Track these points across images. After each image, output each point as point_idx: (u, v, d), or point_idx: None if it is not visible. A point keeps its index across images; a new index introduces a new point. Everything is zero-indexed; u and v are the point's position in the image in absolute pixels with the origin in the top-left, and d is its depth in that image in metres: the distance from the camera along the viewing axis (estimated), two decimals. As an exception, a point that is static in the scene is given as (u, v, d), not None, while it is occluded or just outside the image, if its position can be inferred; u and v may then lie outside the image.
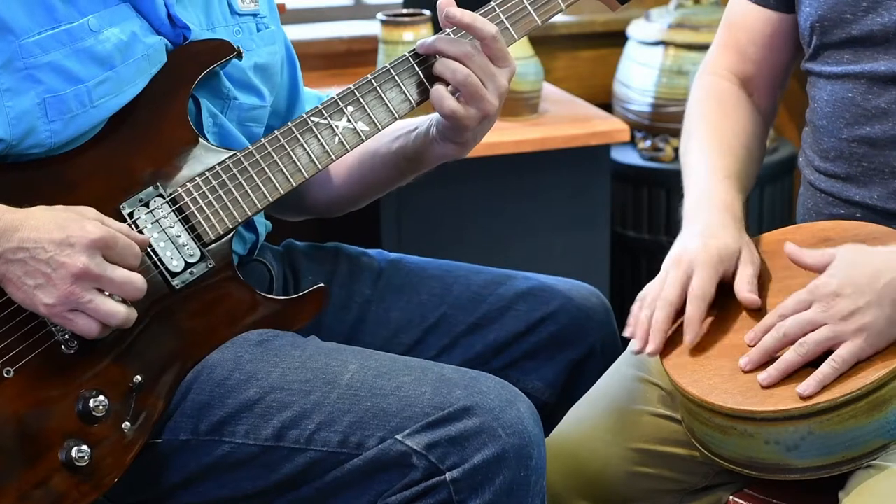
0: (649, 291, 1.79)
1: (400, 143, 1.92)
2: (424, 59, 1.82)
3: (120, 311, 1.64)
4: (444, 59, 1.79)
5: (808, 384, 1.62)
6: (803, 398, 1.62)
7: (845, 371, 1.63)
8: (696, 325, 1.73)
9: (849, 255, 1.68)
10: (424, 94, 1.82)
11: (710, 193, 1.85)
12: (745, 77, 2.02)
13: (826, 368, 1.62)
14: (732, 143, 1.93)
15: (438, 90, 1.80)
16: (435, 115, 1.87)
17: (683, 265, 1.77)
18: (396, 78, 1.82)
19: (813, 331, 1.65)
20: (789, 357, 1.65)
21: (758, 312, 1.74)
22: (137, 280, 1.65)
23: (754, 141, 1.98)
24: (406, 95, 1.82)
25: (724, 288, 1.78)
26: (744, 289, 1.76)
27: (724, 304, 1.77)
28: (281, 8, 2.18)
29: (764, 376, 1.65)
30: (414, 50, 1.83)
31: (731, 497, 1.81)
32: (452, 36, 1.81)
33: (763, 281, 1.78)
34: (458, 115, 1.80)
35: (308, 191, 1.99)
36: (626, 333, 1.78)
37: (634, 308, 1.79)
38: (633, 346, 1.76)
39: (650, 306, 1.77)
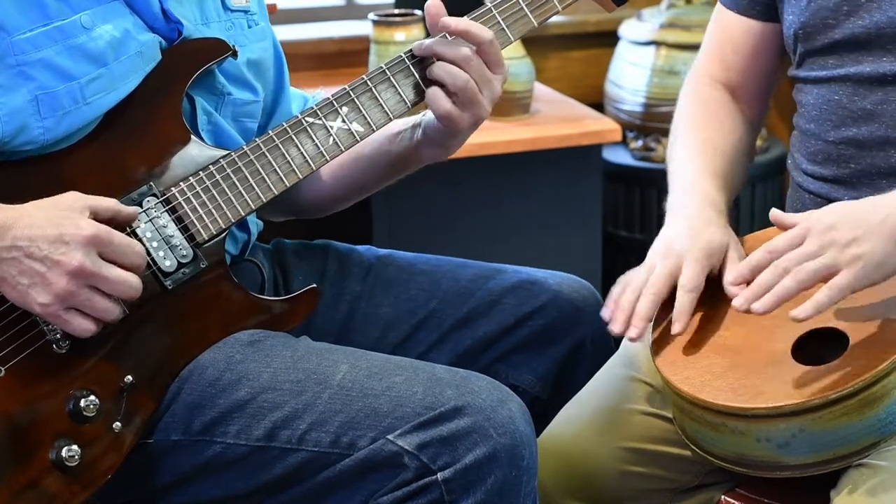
0: (633, 278, 1.78)
1: (385, 147, 1.92)
2: (420, 60, 1.82)
3: (116, 310, 1.64)
4: (443, 62, 1.79)
5: (803, 307, 1.61)
6: (797, 321, 1.61)
7: (840, 299, 1.62)
8: (685, 317, 1.73)
9: (841, 202, 1.68)
10: (420, 95, 1.82)
11: (694, 188, 1.85)
12: (729, 85, 2.02)
13: (821, 295, 1.61)
14: (718, 144, 1.93)
15: (435, 91, 1.80)
16: (421, 119, 1.88)
17: (672, 257, 1.77)
18: (392, 79, 1.82)
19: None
20: (787, 283, 1.63)
21: (747, 310, 1.74)
22: (133, 279, 1.64)
23: (740, 144, 1.97)
24: (401, 96, 1.82)
25: (714, 285, 1.78)
26: (733, 283, 1.75)
27: (713, 301, 1.78)
28: (272, 8, 2.18)
29: (758, 305, 1.64)
30: (410, 51, 1.83)
31: (722, 496, 1.82)
32: (448, 38, 1.81)
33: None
34: (453, 118, 1.80)
35: (294, 191, 1.99)
36: (604, 314, 1.77)
37: (615, 290, 1.78)
38: (613, 327, 1.75)
39: (634, 292, 1.76)
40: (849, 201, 1.68)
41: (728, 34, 2.01)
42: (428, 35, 1.84)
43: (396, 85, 1.82)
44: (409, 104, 1.82)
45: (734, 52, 2.01)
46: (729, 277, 1.70)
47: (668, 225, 1.82)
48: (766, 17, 1.97)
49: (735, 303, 1.66)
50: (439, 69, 1.79)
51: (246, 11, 1.92)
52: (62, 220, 1.61)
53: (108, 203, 1.66)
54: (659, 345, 1.76)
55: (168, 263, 1.73)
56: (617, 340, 1.97)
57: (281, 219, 2.11)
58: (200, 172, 1.76)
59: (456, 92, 1.79)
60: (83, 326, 1.63)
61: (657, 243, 1.80)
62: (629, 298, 1.75)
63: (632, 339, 1.74)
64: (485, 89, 1.80)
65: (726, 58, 2.01)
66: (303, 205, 2.04)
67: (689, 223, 1.79)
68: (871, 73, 1.81)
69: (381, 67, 1.82)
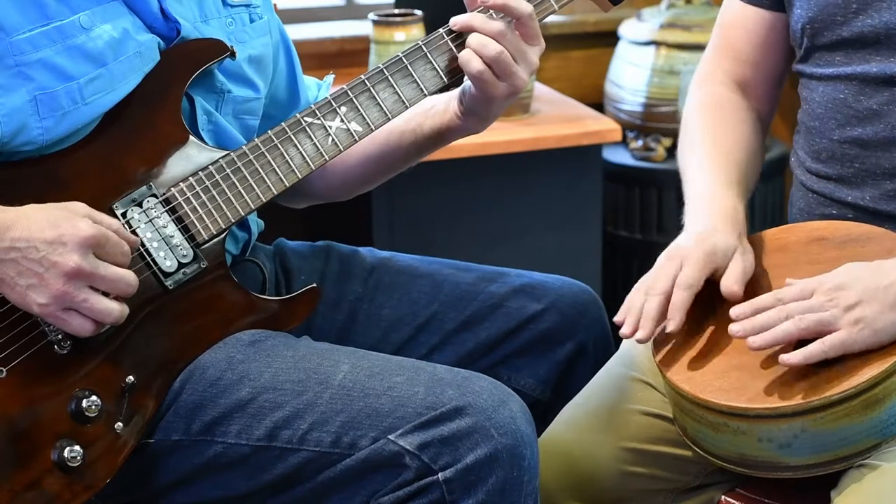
0: (644, 282, 1.80)
1: (418, 121, 1.91)
2: (416, 60, 1.82)
3: (114, 309, 1.64)
4: (477, 34, 1.79)
5: (793, 354, 1.63)
6: (784, 364, 1.63)
7: (832, 356, 1.63)
8: (679, 313, 1.74)
9: (853, 264, 1.69)
10: (418, 93, 1.82)
11: (709, 199, 1.86)
12: (742, 81, 2.01)
13: (814, 347, 1.63)
14: (732, 151, 1.93)
15: (468, 52, 1.79)
16: (459, 90, 1.87)
17: (675, 259, 1.78)
18: (389, 78, 1.82)
19: None
20: (787, 326, 1.65)
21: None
22: (129, 276, 1.65)
23: (754, 145, 1.97)
24: (399, 95, 1.82)
25: (717, 287, 1.78)
26: (729, 282, 1.76)
27: (716, 302, 1.78)
28: (272, 7, 2.18)
29: (756, 339, 1.65)
30: (408, 49, 1.82)
31: (723, 496, 1.82)
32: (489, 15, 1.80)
33: (756, 279, 1.79)
34: (486, 81, 1.79)
35: (321, 175, 1.98)
36: (617, 319, 1.78)
37: (629, 297, 1.80)
38: (624, 329, 1.76)
39: (640, 295, 1.77)
40: (861, 264, 1.69)
41: (739, 26, 2.00)
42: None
43: (394, 84, 1.82)
44: (407, 103, 1.82)
45: (745, 43, 2.00)
46: (733, 312, 1.71)
47: (681, 235, 1.84)
48: (778, 7, 1.96)
49: (731, 328, 1.68)
50: (472, 39, 1.79)
51: (248, 5, 1.92)
52: (60, 222, 1.61)
53: (111, 220, 1.66)
54: (660, 344, 1.76)
55: (168, 264, 1.73)
56: (617, 343, 1.97)
57: (304, 204, 2.10)
58: (200, 172, 1.76)
59: (489, 63, 1.78)
60: (83, 326, 1.63)
61: (667, 248, 1.82)
62: (638, 300, 1.77)
63: (640, 341, 1.75)
64: (521, 61, 1.79)
65: (737, 51, 2.00)
66: (331, 187, 2.04)
67: (699, 230, 1.81)
68: (879, 72, 1.81)
69: (379, 67, 1.82)
